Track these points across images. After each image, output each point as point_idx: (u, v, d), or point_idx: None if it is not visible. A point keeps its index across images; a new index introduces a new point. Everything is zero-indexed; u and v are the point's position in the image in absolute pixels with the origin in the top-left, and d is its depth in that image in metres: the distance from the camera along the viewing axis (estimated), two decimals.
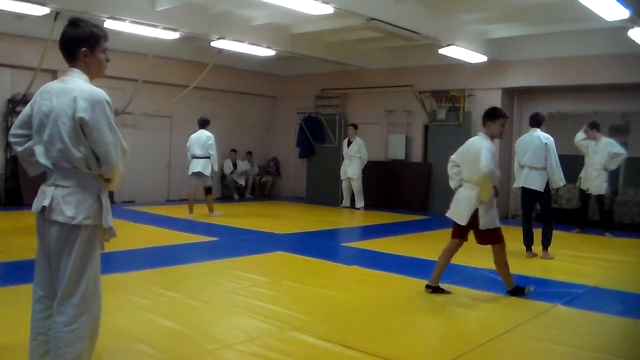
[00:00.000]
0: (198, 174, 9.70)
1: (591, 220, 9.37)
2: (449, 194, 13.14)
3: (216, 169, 9.95)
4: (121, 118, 10.78)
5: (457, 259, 6.63)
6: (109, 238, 2.73)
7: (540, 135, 7.04)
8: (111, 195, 9.91)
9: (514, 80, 11.24)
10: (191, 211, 9.74)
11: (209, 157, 9.69)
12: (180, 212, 10.46)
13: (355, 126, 12.33)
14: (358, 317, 4.32)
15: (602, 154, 8.92)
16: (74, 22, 2.64)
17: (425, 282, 5.13)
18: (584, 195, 9.21)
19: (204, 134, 9.77)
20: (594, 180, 8.95)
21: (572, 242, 8.31)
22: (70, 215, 2.54)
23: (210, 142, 9.68)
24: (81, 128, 2.52)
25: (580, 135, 9.09)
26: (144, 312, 4.17)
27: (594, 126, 8.98)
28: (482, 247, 4.98)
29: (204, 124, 9.91)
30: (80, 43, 2.62)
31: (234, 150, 13.78)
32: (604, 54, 9.92)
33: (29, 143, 2.68)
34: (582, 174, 9.13)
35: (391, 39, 10.00)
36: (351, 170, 12.10)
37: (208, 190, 9.99)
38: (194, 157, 9.71)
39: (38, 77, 9.25)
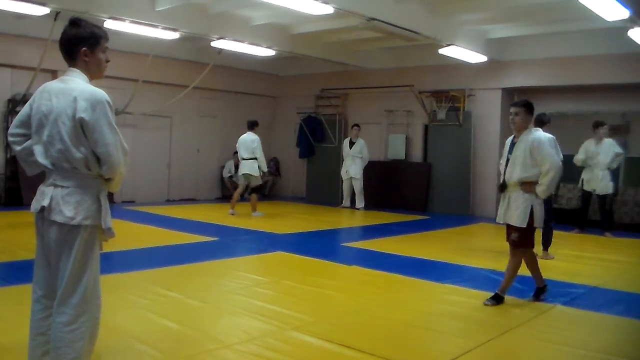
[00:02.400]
0: (246, 176, 10.17)
1: (591, 220, 9.37)
2: (448, 194, 13.14)
3: (265, 169, 10.39)
4: (121, 118, 10.76)
5: (457, 259, 6.66)
6: (107, 238, 2.72)
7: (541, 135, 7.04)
8: (111, 195, 9.94)
9: (514, 80, 11.24)
10: (233, 207, 10.27)
11: (256, 159, 10.08)
12: (180, 212, 10.47)
13: (359, 127, 12.34)
14: (358, 317, 4.32)
15: (606, 153, 8.94)
16: (74, 22, 2.64)
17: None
18: (586, 197, 9.19)
19: (249, 137, 10.18)
20: (601, 181, 8.94)
21: (572, 242, 8.31)
22: (69, 215, 2.54)
23: (256, 145, 10.10)
24: (81, 128, 2.52)
25: (589, 145, 8.99)
26: (144, 312, 4.17)
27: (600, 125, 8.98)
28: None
29: (251, 126, 10.32)
30: (81, 43, 2.62)
31: (237, 153, 13.65)
32: (604, 54, 9.92)
33: (28, 142, 2.68)
34: (585, 176, 9.05)
35: (391, 39, 10.00)
36: (353, 170, 12.10)
37: (254, 190, 10.36)
38: (242, 159, 10.18)
39: (38, 77, 9.24)
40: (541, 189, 4.60)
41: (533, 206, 4.64)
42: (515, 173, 4.69)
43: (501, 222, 4.85)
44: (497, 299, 4.73)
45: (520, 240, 4.72)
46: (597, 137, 8.96)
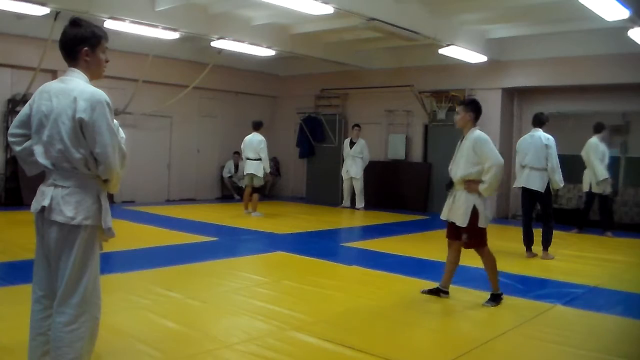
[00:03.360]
0: (251, 176, 10.22)
1: (591, 220, 9.36)
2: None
3: (267, 170, 10.45)
4: (121, 118, 10.76)
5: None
6: (107, 238, 2.72)
7: (541, 135, 7.04)
8: (111, 195, 9.95)
9: (514, 80, 11.24)
10: (247, 207, 10.45)
11: (261, 159, 10.16)
12: (180, 212, 10.46)
13: (359, 127, 12.35)
14: (358, 317, 4.32)
15: (608, 154, 8.95)
16: (75, 22, 2.64)
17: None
18: (591, 198, 9.13)
19: (256, 138, 10.26)
20: (607, 180, 8.92)
21: (572, 242, 8.31)
22: (69, 215, 2.54)
23: (262, 146, 10.19)
24: (80, 129, 2.52)
25: (598, 145, 8.92)
26: (144, 312, 4.17)
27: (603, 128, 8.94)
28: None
29: (256, 126, 10.41)
30: (82, 43, 2.62)
31: (237, 153, 13.69)
32: (604, 54, 9.92)
33: (28, 143, 2.67)
34: (596, 178, 8.92)
35: (391, 39, 10.00)
36: (354, 170, 12.11)
37: (255, 190, 10.39)
38: (247, 159, 10.26)
39: (38, 77, 9.25)
40: (484, 187, 4.55)
41: (476, 206, 4.60)
42: (458, 171, 4.70)
43: (444, 219, 4.84)
44: (495, 299, 4.73)
45: (471, 241, 4.68)
46: (600, 137, 8.91)
